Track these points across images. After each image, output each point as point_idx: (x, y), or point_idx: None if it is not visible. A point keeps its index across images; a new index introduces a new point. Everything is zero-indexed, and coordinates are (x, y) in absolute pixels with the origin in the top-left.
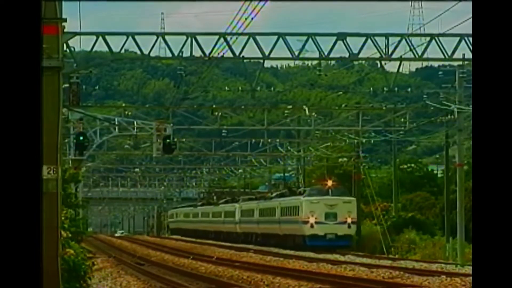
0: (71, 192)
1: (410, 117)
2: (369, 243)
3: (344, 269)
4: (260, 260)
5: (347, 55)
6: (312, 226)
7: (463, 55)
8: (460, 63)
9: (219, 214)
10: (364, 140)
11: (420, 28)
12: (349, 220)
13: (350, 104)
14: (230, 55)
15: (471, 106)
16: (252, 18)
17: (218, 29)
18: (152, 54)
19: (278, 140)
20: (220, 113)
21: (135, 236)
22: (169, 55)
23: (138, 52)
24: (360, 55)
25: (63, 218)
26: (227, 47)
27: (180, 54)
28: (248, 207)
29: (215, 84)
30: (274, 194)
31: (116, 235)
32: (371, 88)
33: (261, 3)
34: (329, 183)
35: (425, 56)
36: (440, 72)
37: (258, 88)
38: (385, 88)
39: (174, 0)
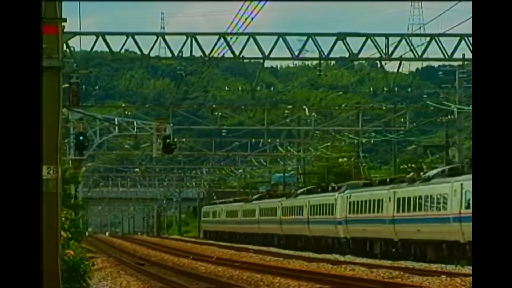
0: (70, 192)
1: (410, 117)
2: None
3: (344, 269)
4: (260, 260)
5: (347, 55)
6: None
7: (463, 55)
8: (460, 63)
9: (298, 210)
10: (364, 140)
11: (420, 28)
12: None
13: (350, 104)
14: (230, 55)
15: (471, 106)
16: (252, 18)
17: (223, 28)
18: (152, 54)
19: (278, 140)
20: (220, 113)
21: (135, 236)
22: (169, 55)
23: (138, 52)
24: (360, 55)
25: (63, 218)
26: (227, 47)
27: (180, 54)
28: (364, 197)
29: (215, 84)
30: (434, 172)
31: None
32: (371, 88)
33: (261, 3)
34: None
35: (425, 56)
36: (440, 72)
37: (258, 88)
38: (385, 88)
39: (178, 0)
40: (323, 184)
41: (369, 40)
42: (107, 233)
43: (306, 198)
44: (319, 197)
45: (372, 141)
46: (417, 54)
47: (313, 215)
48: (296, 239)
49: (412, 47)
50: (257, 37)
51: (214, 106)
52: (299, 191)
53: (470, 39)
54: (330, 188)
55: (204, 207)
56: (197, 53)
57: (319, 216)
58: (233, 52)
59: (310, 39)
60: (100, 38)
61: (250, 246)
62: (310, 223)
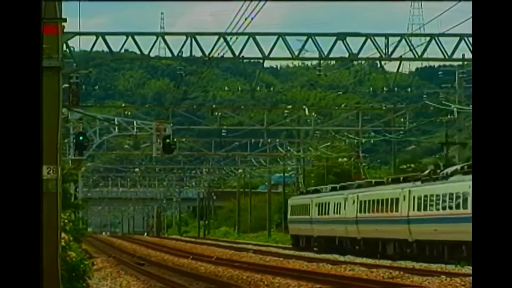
0: (70, 192)
1: (410, 117)
2: None
3: (344, 269)
4: (260, 260)
5: (347, 55)
6: None
7: (463, 55)
8: (460, 63)
9: None
10: (364, 140)
11: (420, 28)
12: None
13: (350, 104)
14: (230, 55)
15: (471, 106)
16: (252, 18)
17: (229, 28)
18: (152, 54)
19: (278, 140)
20: (219, 113)
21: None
22: (169, 55)
23: (138, 52)
24: (360, 55)
25: (65, 220)
26: (227, 47)
27: (180, 54)
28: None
29: (215, 84)
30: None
31: None
32: (371, 88)
33: (261, 3)
34: None
35: (425, 56)
36: (440, 72)
37: (258, 88)
38: (385, 88)
39: (184, 0)
40: None
41: (369, 40)
42: (107, 233)
43: None
44: None
45: (372, 141)
46: (417, 54)
47: None
48: None
49: (412, 47)
50: (257, 37)
51: (214, 106)
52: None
53: (470, 39)
54: None
55: (292, 199)
56: (197, 53)
57: None
58: (233, 52)
59: (309, 39)
60: (100, 38)
61: (250, 247)
62: None
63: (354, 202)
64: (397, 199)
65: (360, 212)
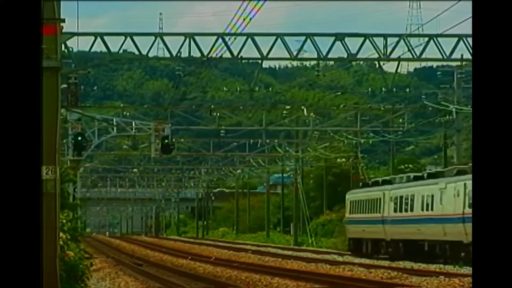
0: (67, 191)
1: (409, 117)
2: None
3: (343, 269)
4: (259, 260)
5: (345, 55)
6: None
7: (462, 55)
8: (459, 63)
9: None
10: (362, 141)
11: (418, 28)
12: None
13: (349, 104)
14: (229, 55)
15: (469, 106)
16: (250, 18)
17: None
18: (150, 55)
19: (276, 141)
20: (218, 114)
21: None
22: (168, 55)
23: (137, 52)
24: (359, 56)
25: (64, 220)
26: (225, 48)
27: (178, 54)
28: None
29: (214, 84)
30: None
31: None
32: (370, 89)
33: (260, 2)
34: None
35: (423, 56)
36: (438, 73)
37: (257, 88)
38: (383, 89)
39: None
40: None
41: (367, 41)
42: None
43: None
44: None
45: (370, 142)
46: (416, 54)
47: None
48: None
49: (410, 48)
50: (256, 38)
51: (212, 106)
52: None
53: (469, 39)
54: None
55: (352, 193)
56: (195, 53)
57: None
58: (231, 53)
59: (308, 40)
60: (99, 38)
61: (248, 247)
62: None
63: (458, 194)
64: None
65: (471, 207)
